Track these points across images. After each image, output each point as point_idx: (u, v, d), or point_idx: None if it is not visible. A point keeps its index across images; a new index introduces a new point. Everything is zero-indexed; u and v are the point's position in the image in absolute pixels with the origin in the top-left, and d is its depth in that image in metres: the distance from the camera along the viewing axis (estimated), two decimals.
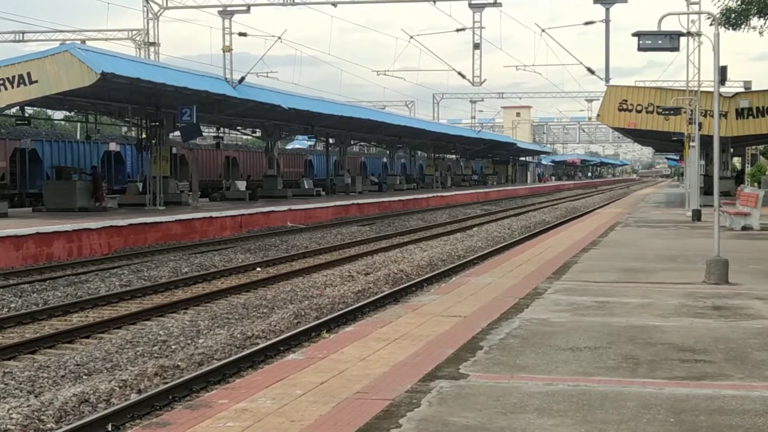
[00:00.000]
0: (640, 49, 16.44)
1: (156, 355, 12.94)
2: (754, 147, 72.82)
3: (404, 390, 8.04)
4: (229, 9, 41.26)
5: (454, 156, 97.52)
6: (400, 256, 25.81)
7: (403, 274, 21.80)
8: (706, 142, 39.20)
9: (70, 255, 25.77)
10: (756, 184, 57.91)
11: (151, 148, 40.16)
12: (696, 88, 36.69)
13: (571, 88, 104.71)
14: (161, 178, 39.55)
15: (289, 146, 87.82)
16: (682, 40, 17.76)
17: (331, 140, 65.17)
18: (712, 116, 23.86)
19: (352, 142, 70.92)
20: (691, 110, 35.30)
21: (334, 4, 42.08)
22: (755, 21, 30.42)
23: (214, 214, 34.31)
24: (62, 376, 11.71)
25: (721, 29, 27.48)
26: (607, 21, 40.17)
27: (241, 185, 51.70)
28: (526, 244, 25.64)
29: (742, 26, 29.94)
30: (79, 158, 46.60)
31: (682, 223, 31.70)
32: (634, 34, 16.46)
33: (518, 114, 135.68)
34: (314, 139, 74.34)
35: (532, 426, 6.99)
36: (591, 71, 44.46)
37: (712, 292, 14.17)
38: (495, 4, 41.54)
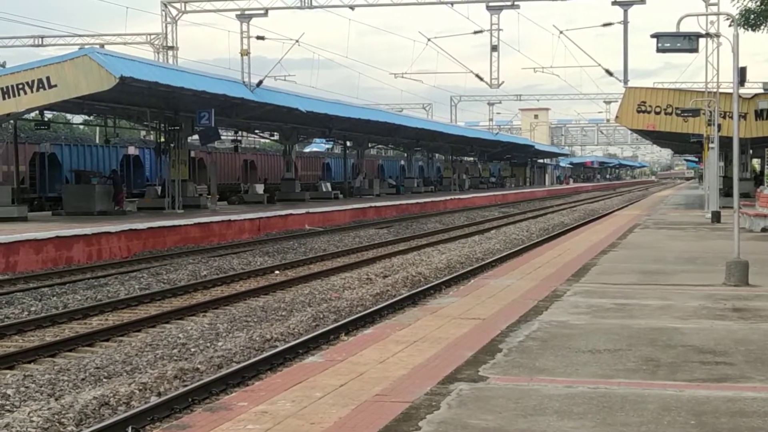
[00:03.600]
0: (658, 50, 16.40)
1: (175, 357, 12.97)
2: None
3: (423, 392, 8.03)
4: (246, 13, 41.35)
5: (471, 158, 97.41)
6: (418, 258, 25.79)
7: (422, 277, 21.77)
8: (725, 143, 39.02)
9: (89, 258, 25.86)
10: None
11: (170, 152, 40.26)
12: (715, 90, 36.56)
13: (589, 90, 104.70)
14: (180, 181, 39.65)
15: (307, 149, 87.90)
16: (701, 41, 17.69)
17: (348, 143, 65.20)
18: (731, 118, 23.74)
19: (369, 145, 70.94)
20: (710, 112, 35.15)
21: (352, 8, 42.16)
22: None
23: (233, 217, 34.37)
24: (82, 379, 11.75)
25: (741, 30, 27.36)
26: (625, 22, 40.06)
27: (259, 188, 51.78)
28: (544, 246, 25.61)
29: (762, 27, 29.81)
30: (98, 162, 46.76)
31: (702, 225, 31.58)
32: (652, 36, 16.42)
33: (536, 116, 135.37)
34: (332, 142, 74.39)
35: (552, 428, 6.97)
36: (609, 73, 44.34)
37: (732, 294, 14.11)
38: (513, 6, 41.51)
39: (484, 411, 7.44)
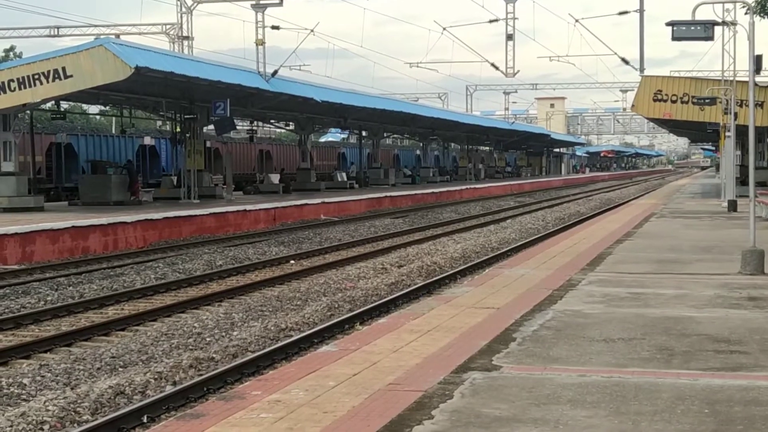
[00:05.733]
0: (674, 38, 16.33)
1: (191, 347, 13.00)
2: None
3: (437, 381, 8.04)
4: (261, 2, 41.27)
5: (487, 148, 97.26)
6: (434, 248, 25.79)
7: (437, 266, 21.77)
8: (741, 132, 38.89)
9: (105, 248, 25.94)
10: None
11: (186, 142, 40.32)
12: (731, 78, 36.42)
13: (605, 79, 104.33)
14: (195, 171, 39.73)
15: (323, 139, 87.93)
16: (717, 29, 17.60)
17: (364, 133, 65.17)
18: (747, 106, 23.64)
19: (385, 135, 70.87)
20: (727, 100, 35.02)
21: None
22: None
23: (248, 207, 34.42)
24: (98, 369, 11.79)
25: (757, 18, 27.23)
26: (641, 11, 39.90)
27: (275, 178, 51.83)
28: (560, 235, 25.57)
29: None
30: (114, 152, 46.90)
31: (718, 214, 31.48)
32: (668, 24, 16.35)
33: (552, 105, 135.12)
34: (347, 132, 74.37)
35: (565, 417, 6.97)
36: (625, 61, 44.19)
37: (748, 283, 14.07)
38: None
39: (497, 400, 7.45)
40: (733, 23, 32.26)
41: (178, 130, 41.92)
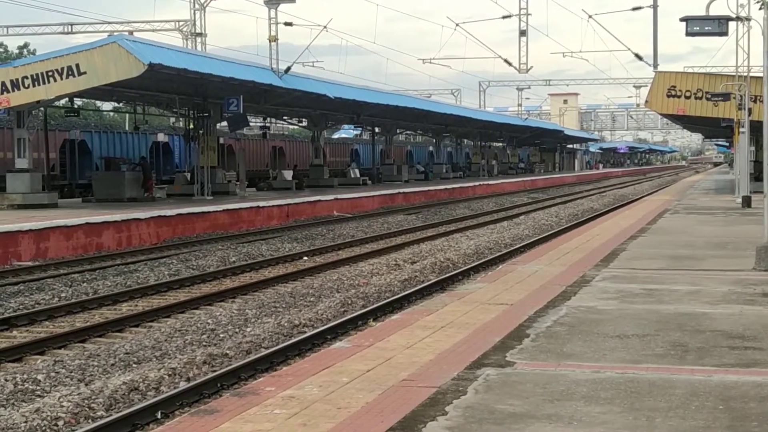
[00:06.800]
0: (688, 34, 16.31)
1: (204, 343, 13.03)
2: None
3: (450, 378, 8.04)
4: None
5: (500, 144, 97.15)
6: (447, 244, 25.77)
7: (450, 263, 21.76)
8: (756, 127, 38.69)
9: (119, 245, 26.01)
10: None
11: (199, 139, 40.39)
12: (745, 74, 36.26)
13: (619, 75, 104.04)
14: (209, 168, 39.77)
15: (336, 135, 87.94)
16: (731, 24, 17.55)
17: (377, 129, 65.14)
18: (761, 101, 23.56)
19: (398, 131, 70.85)
20: (741, 96, 34.87)
21: None
22: None
23: (261, 203, 34.46)
24: (112, 365, 11.83)
25: None
26: (654, 6, 39.81)
27: (288, 175, 51.87)
28: (573, 231, 25.53)
29: None
30: (127, 149, 46.99)
31: (732, 210, 31.40)
32: (681, 20, 16.33)
33: (565, 101, 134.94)
34: (360, 129, 74.30)
35: (579, 413, 6.96)
36: (639, 57, 44.14)
37: (763, 279, 14.03)
38: None
39: (511, 396, 7.44)
40: (747, 18, 32.06)
41: (192, 126, 41.99)
